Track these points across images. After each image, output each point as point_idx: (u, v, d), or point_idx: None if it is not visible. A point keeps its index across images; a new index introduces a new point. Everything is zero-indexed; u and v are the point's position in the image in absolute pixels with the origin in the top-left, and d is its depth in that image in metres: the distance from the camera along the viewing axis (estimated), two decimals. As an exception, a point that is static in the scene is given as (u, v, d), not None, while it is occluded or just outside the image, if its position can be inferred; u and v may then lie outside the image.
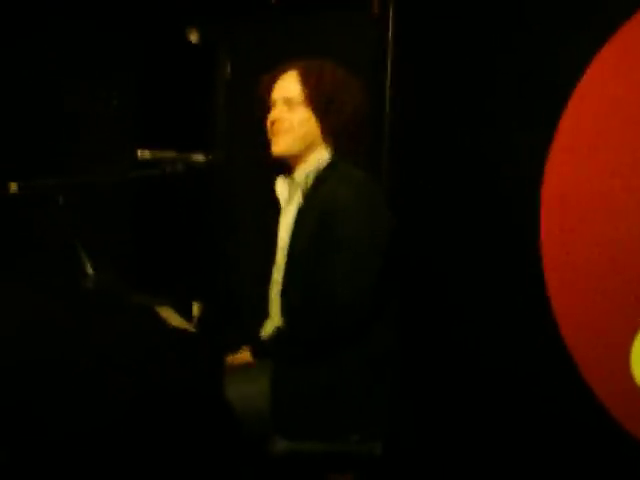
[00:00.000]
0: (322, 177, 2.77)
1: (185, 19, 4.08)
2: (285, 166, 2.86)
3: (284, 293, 2.77)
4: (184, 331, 2.76)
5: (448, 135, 3.48)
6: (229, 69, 4.05)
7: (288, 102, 2.79)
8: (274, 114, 2.81)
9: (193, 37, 4.08)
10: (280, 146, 2.80)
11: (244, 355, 2.78)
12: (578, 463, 3.17)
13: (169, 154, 2.87)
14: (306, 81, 2.78)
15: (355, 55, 3.63)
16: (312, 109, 2.78)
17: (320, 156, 2.81)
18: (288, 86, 2.81)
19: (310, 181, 2.78)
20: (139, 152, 2.84)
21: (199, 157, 2.87)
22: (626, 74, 3.09)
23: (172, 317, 2.81)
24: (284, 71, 2.84)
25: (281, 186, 2.87)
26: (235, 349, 2.82)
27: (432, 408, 3.39)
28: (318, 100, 2.76)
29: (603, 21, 3.13)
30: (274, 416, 2.65)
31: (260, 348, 2.77)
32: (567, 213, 3.20)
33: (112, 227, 4.18)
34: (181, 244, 4.10)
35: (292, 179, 2.84)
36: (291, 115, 2.79)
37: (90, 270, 2.76)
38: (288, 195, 2.85)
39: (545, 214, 3.24)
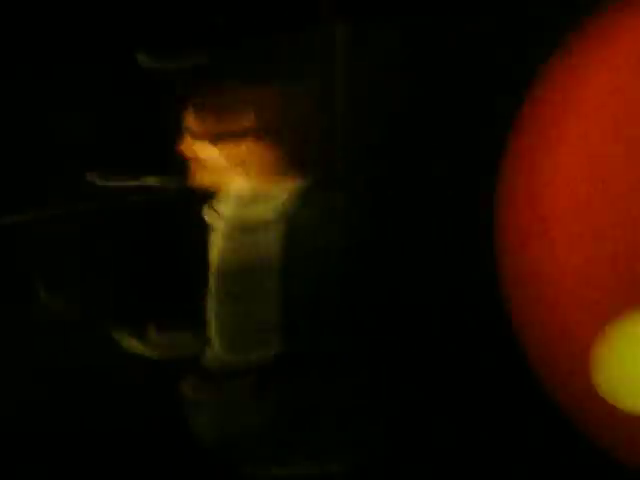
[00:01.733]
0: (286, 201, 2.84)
1: (137, 44, 4.09)
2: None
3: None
4: (144, 357, 2.77)
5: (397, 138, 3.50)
6: (187, 91, 4.05)
7: (227, 136, 2.91)
8: (206, 149, 2.94)
9: (144, 61, 4.08)
10: (212, 181, 2.94)
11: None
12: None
13: (130, 181, 2.89)
14: (243, 112, 2.91)
15: (309, 72, 3.66)
16: (246, 139, 2.89)
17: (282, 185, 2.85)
18: (221, 122, 2.92)
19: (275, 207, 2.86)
20: (97, 180, 2.87)
21: (160, 182, 2.89)
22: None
23: (134, 345, 2.81)
24: (228, 105, 2.95)
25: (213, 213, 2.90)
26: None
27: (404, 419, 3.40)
28: (252, 128, 2.88)
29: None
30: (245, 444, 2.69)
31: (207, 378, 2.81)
32: (520, 216, 3.22)
33: (77, 256, 4.18)
34: (152, 270, 4.10)
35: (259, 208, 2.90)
36: (226, 149, 2.91)
37: (55, 303, 2.76)
38: (259, 222, 2.89)
39: (502, 218, 3.26)
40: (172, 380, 2.71)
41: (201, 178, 2.85)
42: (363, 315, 2.86)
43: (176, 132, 2.97)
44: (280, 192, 2.77)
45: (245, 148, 2.81)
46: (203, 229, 2.89)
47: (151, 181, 2.92)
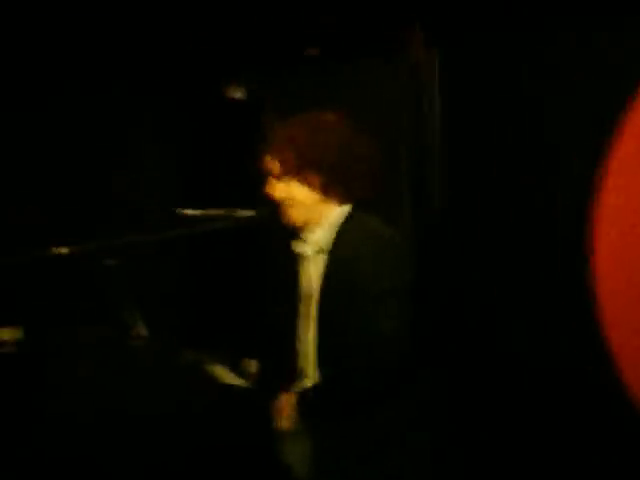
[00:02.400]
0: (340, 232, 2.76)
1: (225, 76, 4.12)
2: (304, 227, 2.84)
3: (321, 347, 2.75)
4: (238, 388, 2.76)
5: (498, 168, 3.47)
6: (275, 123, 4.06)
7: (277, 176, 2.78)
8: (271, 188, 2.80)
9: (237, 93, 4.10)
10: (289, 218, 2.80)
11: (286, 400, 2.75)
12: None
13: (215, 212, 2.89)
14: (278, 154, 2.77)
15: (397, 102, 3.65)
16: (295, 177, 2.76)
17: (333, 213, 2.79)
18: (271, 162, 2.79)
19: (329, 239, 2.77)
20: (186, 210, 2.89)
21: (245, 213, 2.89)
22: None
23: (224, 375, 2.80)
24: (268, 146, 2.82)
25: (301, 245, 2.84)
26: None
27: (483, 456, 3.35)
28: (295, 168, 2.75)
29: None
30: (323, 474, 2.67)
31: (301, 403, 2.73)
32: (619, 227, 3.16)
33: (162, 285, 4.21)
34: (231, 301, 4.11)
35: (310, 240, 2.81)
36: (286, 188, 2.77)
37: (142, 330, 2.77)
38: (311, 253, 2.82)
39: (597, 231, 3.21)
40: (263, 412, 2.68)
41: (286, 214, 2.81)
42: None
43: (260, 171, 2.94)
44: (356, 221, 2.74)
45: (325, 183, 2.77)
46: (289, 258, 2.87)
47: (237, 212, 2.91)
